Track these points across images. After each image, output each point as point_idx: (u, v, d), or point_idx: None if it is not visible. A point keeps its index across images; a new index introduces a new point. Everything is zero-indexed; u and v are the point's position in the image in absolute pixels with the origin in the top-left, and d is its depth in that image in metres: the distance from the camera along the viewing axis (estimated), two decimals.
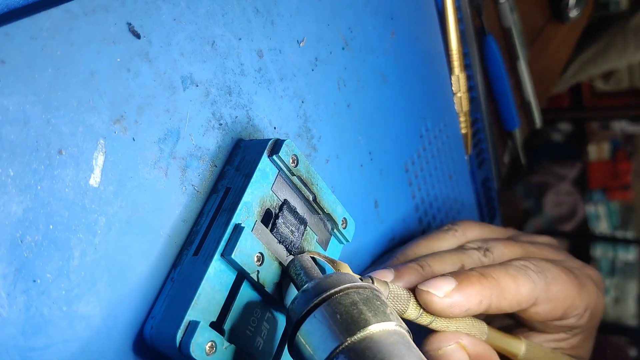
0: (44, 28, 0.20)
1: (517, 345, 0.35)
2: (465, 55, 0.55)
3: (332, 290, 0.22)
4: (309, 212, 0.29)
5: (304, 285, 0.23)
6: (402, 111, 0.43)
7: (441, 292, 0.29)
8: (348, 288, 0.22)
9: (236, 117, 0.28)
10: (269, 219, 0.27)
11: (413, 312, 0.30)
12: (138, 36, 0.23)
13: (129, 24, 0.23)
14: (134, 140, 0.23)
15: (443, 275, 0.30)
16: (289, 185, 0.28)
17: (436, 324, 0.31)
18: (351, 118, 0.37)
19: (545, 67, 0.85)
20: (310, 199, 0.28)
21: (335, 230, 0.30)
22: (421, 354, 0.21)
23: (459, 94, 0.54)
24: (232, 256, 0.24)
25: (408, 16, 0.43)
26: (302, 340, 0.22)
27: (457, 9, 0.52)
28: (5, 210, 0.19)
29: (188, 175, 0.25)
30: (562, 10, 0.84)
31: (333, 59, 0.35)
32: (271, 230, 0.26)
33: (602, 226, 2.19)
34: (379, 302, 0.22)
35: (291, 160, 0.27)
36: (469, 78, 0.57)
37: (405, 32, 0.43)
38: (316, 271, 0.25)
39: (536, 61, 0.81)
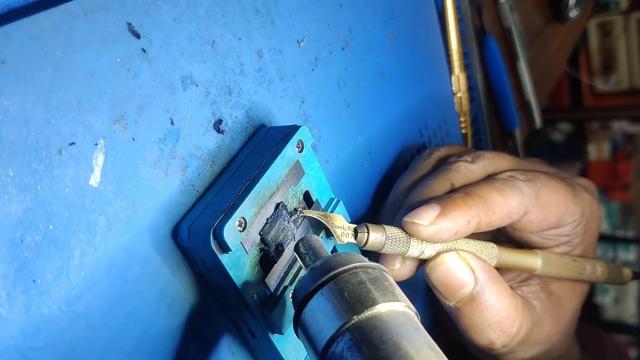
0: (44, 28, 0.20)
1: (533, 260, 0.34)
2: (465, 55, 0.55)
3: (340, 269, 0.22)
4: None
5: (313, 263, 0.23)
6: (402, 111, 0.43)
7: (426, 221, 0.29)
8: (356, 267, 0.22)
9: (236, 117, 0.28)
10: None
11: (415, 249, 0.29)
12: (138, 36, 0.23)
13: (129, 24, 0.23)
14: (134, 140, 0.23)
15: (426, 203, 0.30)
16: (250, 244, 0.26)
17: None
18: (351, 118, 0.37)
19: (545, 67, 0.85)
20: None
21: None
22: (429, 336, 0.20)
23: (459, 94, 0.54)
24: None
25: (408, 16, 0.43)
26: (309, 318, 0.21)
27: (457, 9, 0.52)
28: (5, 210, 0.19)
29: (188, 175, 0.25)
30: (562, 10, 0.84)
31: (333, 59, 0.35)
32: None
33: (602, 226, 2.19)
34: (387, 283, 0.22)
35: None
36: (469, 78, 0.57)
37: (405, 32, 0.43)
38: (324, 251, 0.25)
39: (536, 61, 0.81)
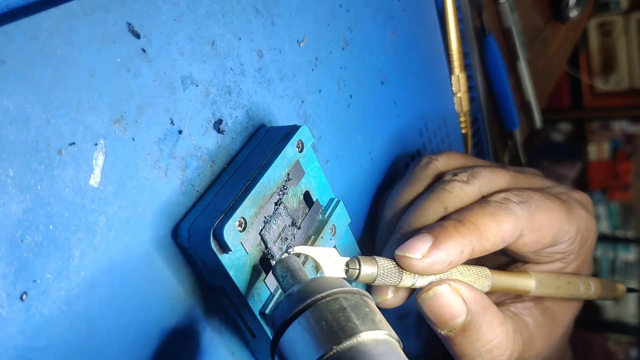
0: (44, 28, 0.20)
1: (527, 283, 0.34)
2: (465, 55, 0.55)
3: (319, 295, 0.21)
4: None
5: (290, 288, 0.22)
6: (402, 111, 0.43)
7: (419, 254, 0.28)
8: (335, 293, 0.21)
9: (236, 117, 0.28)
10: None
11: (408, 279, 0.29)
12: (138, 36, 0.23)
13: (129, 24, 0.23)
14: (134, 140, 0.23)
15: (418, 234, 0.29)
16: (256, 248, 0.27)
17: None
18: (351, 118, 0.37)
19: (545, 67, 0.85)
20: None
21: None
22: None
23: (459, 94, 0.54)
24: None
25: (408, 16, 0.43)
26: (285, 348, 0.21)
27: (457, 9, 0.52)
28: (5, 210, 0.19)
29: (188, 175, 0.25)
30: (562, 10, 0.84)
31: (333, 59, 0.35)
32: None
33: (602, 226, 2.19)
34: (367, 309, 0.21)
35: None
36: (469, 78, 0.57)
37: (405, 32, 0.43)
38: (303, 273, 0.24)
39: (536, 61, 0.81)
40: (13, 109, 0.19)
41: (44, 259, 0.20)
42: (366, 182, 0.38)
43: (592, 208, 0.38)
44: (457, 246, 0.29)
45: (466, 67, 0.56)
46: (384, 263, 0.28)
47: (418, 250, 0.29)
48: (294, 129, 0.27)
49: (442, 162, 0.38)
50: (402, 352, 0.20)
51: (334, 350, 0.19)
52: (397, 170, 0.42)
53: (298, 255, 0.27)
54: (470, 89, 0.59)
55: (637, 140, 2.17)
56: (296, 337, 0.20)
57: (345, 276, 0.27)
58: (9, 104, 0.19)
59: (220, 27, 0.27)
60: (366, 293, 0.22)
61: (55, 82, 0.20)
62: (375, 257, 0.28)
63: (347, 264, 0.27)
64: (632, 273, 2.16)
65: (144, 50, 0.24)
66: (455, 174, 0.35)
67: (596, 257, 2.17)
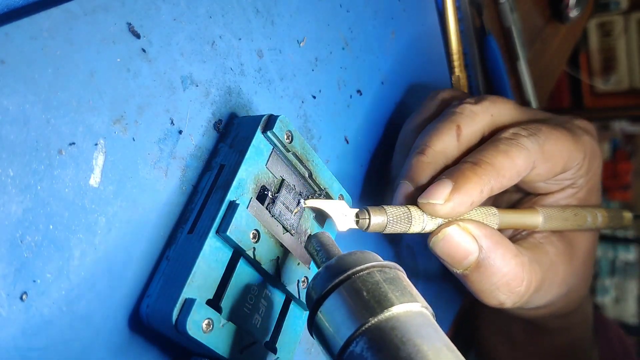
0: (44, 28, 0.20)
1: (534, 218, 0.35)
2: (465, 55, 0.55)
3: (357, 268, 0.22)
4: (305, 188, 0.29)
5: (326, 262, 0.23)
6: (402, 111, 0.43)
7: (441, 199, 0.29)
8: (373, 266, 0.22)
9: (236, 117, 0.28)
10: (264, 196, 0.26)
11: (417, 225, 0.30)
12: (138, 36, 0.23)
13: (129, 24, 0.23)
14: (134, 140, 0.23)
15: (438, 180, 0.30)
16: (284, 162, 0.27)
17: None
18: (351, 118, 0.37)
19: (545, 67, 0.85)
20: (306, 175, 0.28)
21: None
22: (447, 338, 0.20)
23: None
24: (228, 233, 0.23)
25: (408, 16, 0.43)
26: (324, 318, 0.21)
27: (457, 9, 0.52)
28: (5, 210, 0.19)
29: (188, 175, 0.25)
30: (562, 10, 0.84)
31: (333, 59, 0.35)
32: (267, 208, 0.26)
33: None
34: (405, 283, 0.22)
35: (285, 137, 0.26)
36: (469, 78, 0.57)
37: (406, 32, 0.43)
38: (336, 248, 0.25)
39: (536, 61, 0.81)
40: (13, 109, 0.19)
41: (44, 259, 0.20)
42: (367, 183, 0.38)
43: (595, 132, 0.39)
44: (476, 187, 0.30)
45: (466, 67, 0.56)
46: (393, 211, 0.29)
47: (440, 196, 0.29)
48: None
49: (448, 93, 0.39)
50: (436, 323, 0.21)
51: (375, 320, 0.20)
52: (397, 169, 0.42)
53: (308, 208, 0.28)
54: (470, 89, 0.59)
55: (637, 140, 2.17)
56: (336, 307, 0.21)
57: (356, 227, 0.28)
58: (9, 104, 0.19)
59: (220, 27, 0.27)
60: (400, 268, 0.23)
61: (55, 82, 0.20)
62: (384, 206, 0.29)
63: (357, 215, 0.28)
64: (632, 273, 2.15)
65: (144, 50, 0.24)
66: (463, 99, 0.36)
67: (596, 257, 2.16)
